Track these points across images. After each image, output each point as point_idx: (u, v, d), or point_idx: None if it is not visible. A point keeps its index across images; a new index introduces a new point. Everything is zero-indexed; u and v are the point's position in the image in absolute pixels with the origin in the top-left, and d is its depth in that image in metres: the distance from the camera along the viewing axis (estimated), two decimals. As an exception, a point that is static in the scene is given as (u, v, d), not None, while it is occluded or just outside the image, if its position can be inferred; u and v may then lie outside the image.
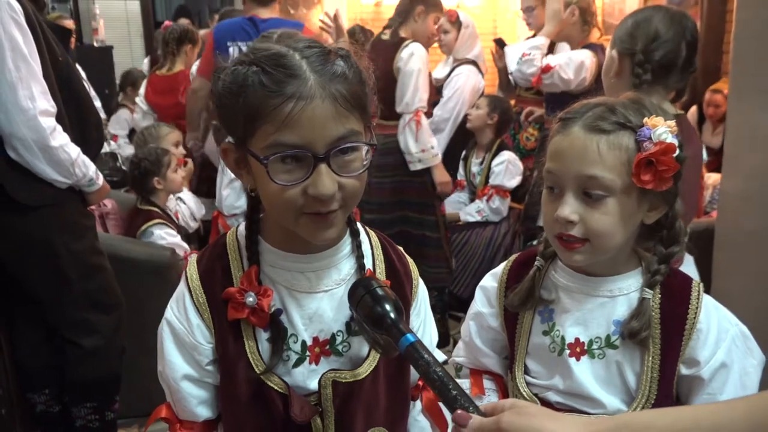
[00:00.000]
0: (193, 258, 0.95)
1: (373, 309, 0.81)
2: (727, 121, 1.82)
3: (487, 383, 1.17)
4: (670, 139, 0.93)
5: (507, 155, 3.41)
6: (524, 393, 1.07)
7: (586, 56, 2.86)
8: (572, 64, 2.82)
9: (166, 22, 4.50)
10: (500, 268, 1.16)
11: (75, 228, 2.02)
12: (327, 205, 0.83)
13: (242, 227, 0.96)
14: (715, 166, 3.91)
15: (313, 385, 0.92)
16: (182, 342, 0.92)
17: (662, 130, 0.93)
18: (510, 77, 3.85)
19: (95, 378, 2.11)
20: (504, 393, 1.15)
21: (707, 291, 1.05)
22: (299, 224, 0.85)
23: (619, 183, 0.94)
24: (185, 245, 2.59)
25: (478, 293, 1.18)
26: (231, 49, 3.17)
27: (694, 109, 4.45)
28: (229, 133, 0.87)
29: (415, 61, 2.96)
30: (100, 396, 2.15)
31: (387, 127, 3.04)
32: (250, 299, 0.88)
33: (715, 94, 4.20)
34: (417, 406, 1.06)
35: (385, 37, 3.12)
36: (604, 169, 0.94)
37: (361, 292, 0.82)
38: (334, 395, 0.92)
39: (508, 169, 3.40)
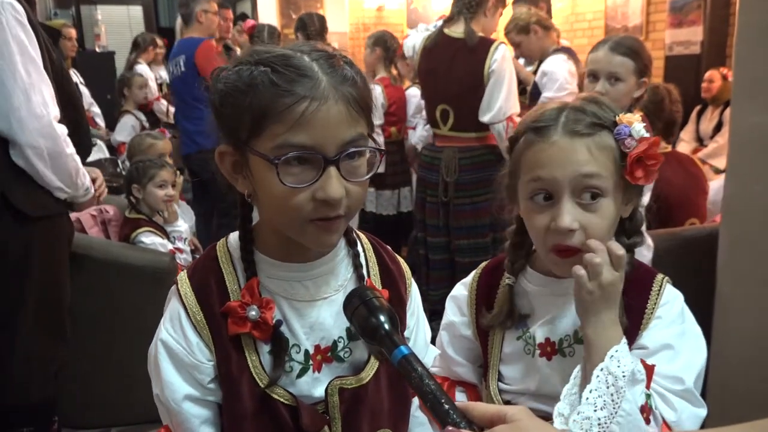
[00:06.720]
0: (183, 275, 0.92)
1: (367, 320, 0.78)
2: (731, 125, 1.81)
3: (459, 395, 1.15)
4: (647, 133, 0.94)
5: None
6: (496, 401, 1.06)
7: (562, 66, 3.14)
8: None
9: (251, 22, 4.56)
10: (470, 277, 1.15)
11: (67, 239, 1.98)
12: (335, 210, 0.81)
13: (231, 238, 0.93)
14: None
15: (318, 393, 0.91)
16: (181, 362, 0.88)
17: (639, 126, 0.94)
18: None
19: (32, 402, 1.94)
20: None
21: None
22: (304, 232, 0.84)
23: (612, 182, 0.95)
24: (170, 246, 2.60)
25: (449, 303, 1.16)
26: (170, 65, 3.58)
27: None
28: (229, 135, 0.84)
29: (508, 64, 2.75)
30: (38, 419, 2.01)
31: (463, 140, 2.84)
32: (253, 313, 0.86)
33: (712, 72, 4.46)
34: (414, 402, 1.05)
35: (455, 34, 2.80)
36: (600, 168, 0.94)
37: (356, 302, 0.80)
38: (340, 402, 0.90)
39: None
